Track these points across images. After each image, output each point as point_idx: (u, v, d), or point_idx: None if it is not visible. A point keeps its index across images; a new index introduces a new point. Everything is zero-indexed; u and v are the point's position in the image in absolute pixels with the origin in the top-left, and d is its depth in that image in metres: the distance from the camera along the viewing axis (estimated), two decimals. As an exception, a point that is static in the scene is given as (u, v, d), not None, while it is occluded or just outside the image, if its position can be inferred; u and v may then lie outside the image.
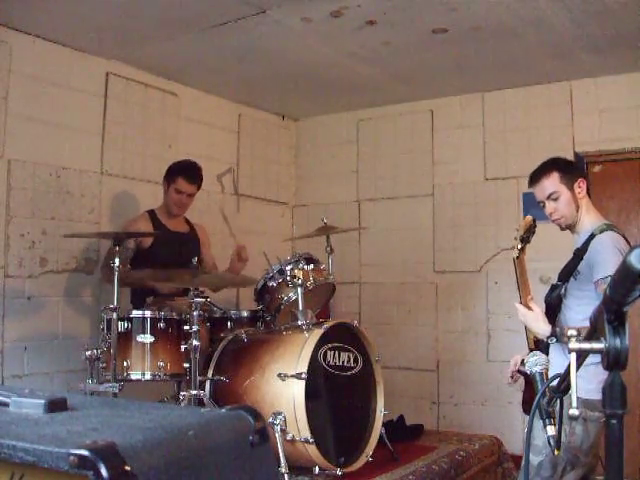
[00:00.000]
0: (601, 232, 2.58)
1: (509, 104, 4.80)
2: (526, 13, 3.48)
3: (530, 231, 2.62)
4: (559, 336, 2.46)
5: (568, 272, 2.67)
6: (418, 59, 4.25)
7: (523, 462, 2.63)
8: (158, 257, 3.72)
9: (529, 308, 2.56)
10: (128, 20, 3.57)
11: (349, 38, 3.87)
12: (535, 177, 2.72)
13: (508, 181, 4.74)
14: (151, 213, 3.92)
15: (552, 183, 2.65)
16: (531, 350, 2.65)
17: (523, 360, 2.36)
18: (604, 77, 4.43)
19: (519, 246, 2.61)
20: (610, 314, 0.95)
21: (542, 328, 2.52)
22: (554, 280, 2.78)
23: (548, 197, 2.66)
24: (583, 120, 4.51)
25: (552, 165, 2.72)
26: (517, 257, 2.61)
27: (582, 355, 1.13)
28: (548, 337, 2.50)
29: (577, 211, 2.66)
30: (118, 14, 3.48)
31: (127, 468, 0.79)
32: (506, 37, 3.82)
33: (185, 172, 3.86)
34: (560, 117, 4.58)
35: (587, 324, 1.10)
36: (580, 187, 2.67)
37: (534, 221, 2.62)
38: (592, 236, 2.60)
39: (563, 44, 3.92)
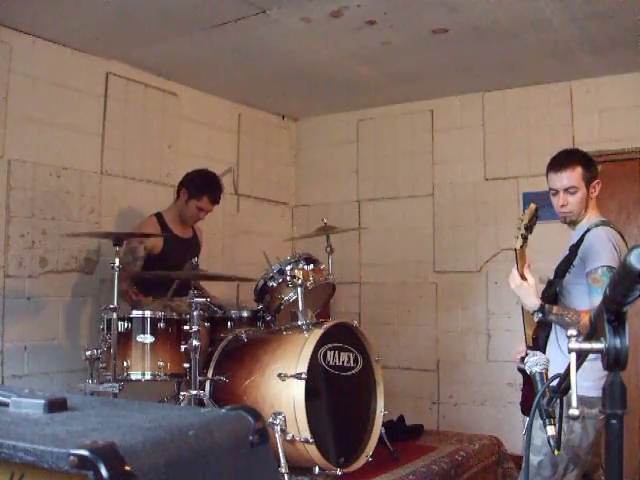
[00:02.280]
0: (596, 227, 2.61)
1: (509, 104, 4.80)
2: (526, 13, 3.48)
3: (533, 220, 2.58)
4: (546, 312, 2.47)
5: (564, 268, 2.68)
6: (418, 59, 4.25)
7: (524, 463, 2.63)
8: (167, 263, 3.73)
9: (524, 277, 2.54)
10: (128, 20, 3.57)
11: (349, 38, 3.87)
12: (559, 165, 2.67)
13: (508, 181, 4.74)
14: (159, 217, 3.91)
15: (575, 177, 2.63)
16: (529, 348, 2.65)
17: (523, 358, 2.36)
18: (604, 77, 4.43)
19: (523, 235, 2.56)
20: (610, 314, 0.95)
21: (532, 301, 2.51)
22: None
23: (566, 190, 2.64)
24: (583, 120, 4.51)
25: (579, 159, 2.68)
26: (521, 247, 2.57)
27: (582, 355, 1.13)
28: (535, 311, 2.50)
29: (585, 210, 2.67)
30: (118, 14, 3.48)
31: (127, 468, 0.79)
32: (506, 37, 3.82)
33: (212, 192, 3.83)
34: (560, 117, 4.58)
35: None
36: (594, 189, 2.68)
37: (537, 210, 2.58)
38: (587, 231, 2.62)
39: (563, 44, 3.92)
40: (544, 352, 2.60)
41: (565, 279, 2.65)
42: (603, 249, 2.50)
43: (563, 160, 2.69)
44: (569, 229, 2.81)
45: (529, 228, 2.56)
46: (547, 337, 2.66)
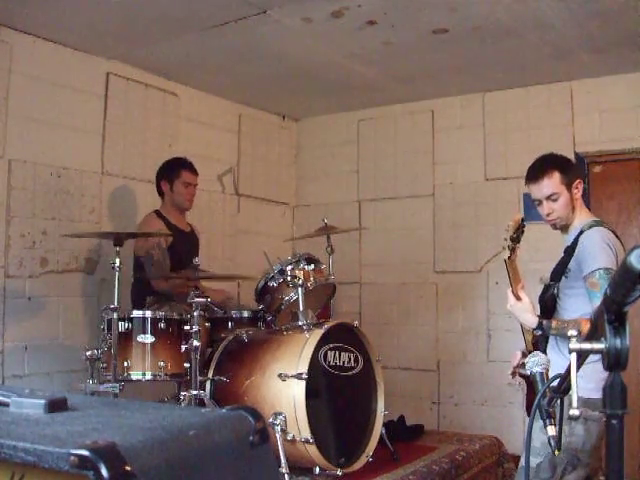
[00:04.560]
0: (589, 228, 2.58)
1: (509, 104, 4.80)
2: (526, 13, 3.48)
3: (520, 230, 2.55)
4: (546, 328, 2.46)
5: (559, 271, 2.66)
6: (418, 59, 4.25)
7: (521, 463, 2.63)
8: (174, 257, 3.74)
9: (519, 298, 2.54)
10: (128, 20, 3.57)
11: (349, 38, 3.87)
12: (535, 175, 2.64)
13: (508, 181, 4.74)
14: (157, 214, 3.92)
15: (553, 184, 2.60)
16: (529, 352, 2.64)
17: (524, 363, 2.37)
18: (604, 77, 4.43)
19: (510, 246, 2.54)
20: (610, 314, 0.95)
21: (529, 319, 2.51)
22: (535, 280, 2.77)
23: (548, 198, 2.61)
24: (583, 120, 4.51)
25: (553, 164, 2.64)
26: (509, 258, 2.55)
27: (582, 356, 1.13)
28: (534, 329, 2.50)
29: (573, 212, 2.64)
30: (118, 14, 3.48)
31: (127, 468, 0.79)
32: (506, 37, 3.82)
33: (185, 165, 3.94)
34: (560, 117, 4.58)
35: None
36: (577, 188, 2.64)
37: (523, 220, 2.56)
38: (581, 232, 2.59)
39: (563, 44, 3.92)
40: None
41: (562, 283, 2.63)
42: (598, 251, 2.48)
43: (539, 169, 2.65)
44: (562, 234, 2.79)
45: (516, 239, 2.55)
46: (547, 341, 2.65)
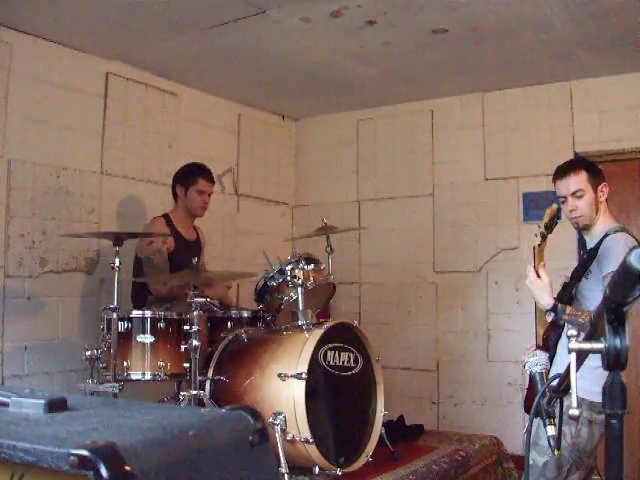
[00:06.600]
0: (614, 232, 2.61)
1: (509, 104, 4.80)
2: (526, 13, 3.48)
3: (554, 220, 2.58)
4: (559, 312, 2.46)
5: (580, 272, 2.68)
6: (418, 59, 4.25)
7: (526, 463, 2.63)
8: (174, 265, 3.73)
9: (539, 276, 2.54)
10: (128, 20, 3.57)
11: (349, 38, 3.87)
12: (563, 172, 2.72)
13: (508, 181, 4.74)
14: (166, 218, 3.90)
15: (580, 181, 2.66)
16: (539, 348, 2.64)
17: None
18: (604, 77, 4.43)
19: (542, 234, 2.57)
20: (610, 314, 0.95)
21: (545, 300, 2.51)
22: (560, 281, 2.77)
23: (573, 194, 2.66)
24: (583, 120, 4.51)
25: (581, 164, 2.75)
26: (539, 245, 2.58)
27: (583, 355, 1.13)
28: (547, 311, 2.50)
29: (596, 213, 2.68)
30: (118, 14, 3.48)
31: (127, 468, 0.79)
32: (506, 37, 3.82)
33: (203, 172, 3.90)
34: (560, 117, 4.58)
35: None
36: (602, 191, 2.69)
37: (559, 210, 2.60)
38: (605, 236, 2.62)
39: (563, 44, 3.92)
40: (554, 352, 2.60)
41: (581, 284, 2.64)
42: (620, 254, 2.48)
43: (567, 166, 2.75)
44: (576, 233, 2.80)
45: (549, 227, 2.57)
46: (558, 337, 2.65)
